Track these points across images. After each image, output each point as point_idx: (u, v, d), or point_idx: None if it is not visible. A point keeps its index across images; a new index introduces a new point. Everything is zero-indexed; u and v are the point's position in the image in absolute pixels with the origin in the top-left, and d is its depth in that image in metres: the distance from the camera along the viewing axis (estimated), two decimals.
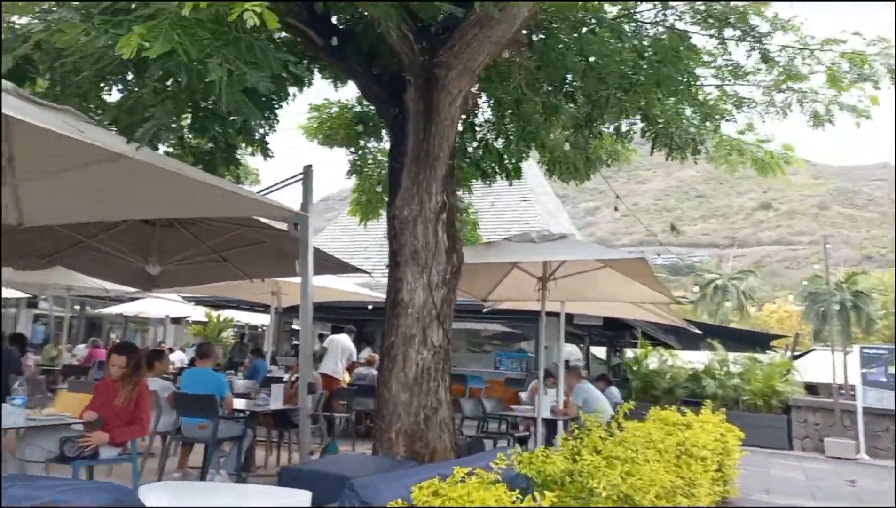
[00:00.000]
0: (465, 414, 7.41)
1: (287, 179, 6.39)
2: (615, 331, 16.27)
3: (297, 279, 9.02)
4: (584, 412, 6.66)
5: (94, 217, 4.54)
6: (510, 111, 6.93)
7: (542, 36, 5.30)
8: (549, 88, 6.00)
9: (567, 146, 7.02)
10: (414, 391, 4.92)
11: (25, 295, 16.12)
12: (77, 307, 22.47)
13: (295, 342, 15.86)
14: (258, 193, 8.24)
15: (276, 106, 6.16)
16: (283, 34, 5.69)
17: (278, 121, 6.02)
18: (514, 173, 7.60)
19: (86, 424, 4.12)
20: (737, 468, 6.97)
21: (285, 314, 15.70)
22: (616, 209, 8.79)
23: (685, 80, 6.15)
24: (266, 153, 6.20)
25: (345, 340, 10.46)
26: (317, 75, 6.98)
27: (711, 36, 6.09)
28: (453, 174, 5.10)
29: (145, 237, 6.49)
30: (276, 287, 10.98)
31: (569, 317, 13.75)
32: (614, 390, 8.71)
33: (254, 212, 4.63)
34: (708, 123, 7.03)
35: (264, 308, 14.68)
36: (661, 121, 6.95)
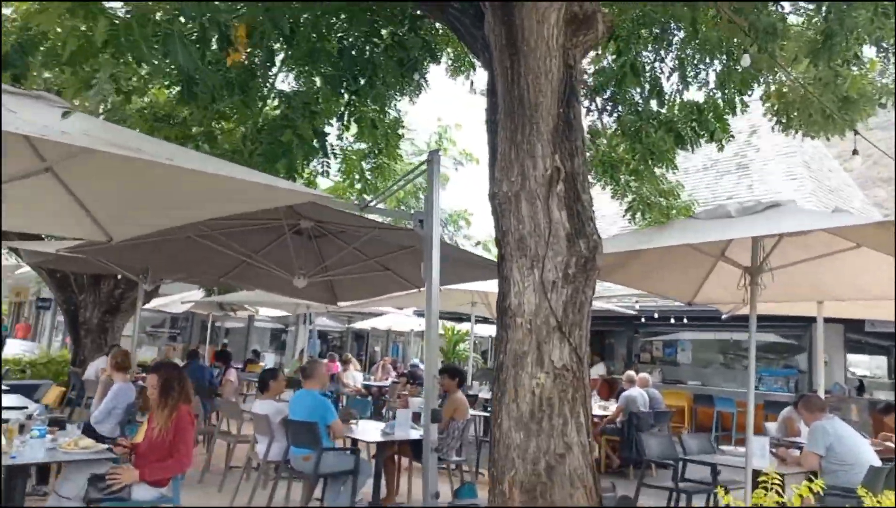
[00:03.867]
0: (650, 458, 5.54)
1: (413, 169, 5.54)
2: None
3: (483, 286, 8.12)
4: (826, 464, 4.46)
5: (168, 224, 4.15)
6: (694, 43, 5.12)
7: None
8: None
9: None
10: (531, 430, 3.56)
11: (287, 313, 17.80)
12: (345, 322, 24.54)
13: None
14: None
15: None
16: None
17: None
18: (718, 131, 5.66)
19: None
20: None
21: None
22: (855, 152, 6.06)
23: None
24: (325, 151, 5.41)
25: None
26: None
27: None
28: (573, 127, 3.65)
29: (288, 251, 6.15)
30: (474, 297, 10.13)
31: (857, 323, 10.57)
32: None
33: (288, 201, 3.79)
34: None
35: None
36: None
